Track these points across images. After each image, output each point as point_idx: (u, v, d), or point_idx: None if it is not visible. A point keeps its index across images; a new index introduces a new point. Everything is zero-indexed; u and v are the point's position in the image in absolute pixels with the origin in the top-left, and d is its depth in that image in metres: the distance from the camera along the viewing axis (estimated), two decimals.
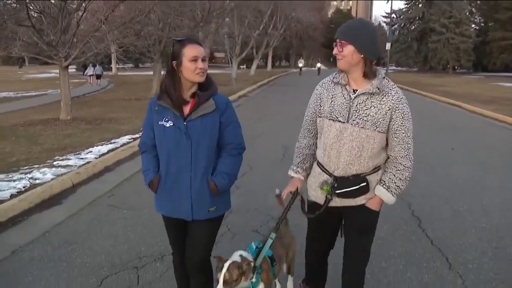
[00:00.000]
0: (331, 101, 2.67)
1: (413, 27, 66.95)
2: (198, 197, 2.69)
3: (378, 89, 2.55)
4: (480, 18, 65.28)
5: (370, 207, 2.68)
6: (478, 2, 63.36)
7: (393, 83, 2.64)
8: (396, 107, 2.55)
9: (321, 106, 2.73)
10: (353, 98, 2.59)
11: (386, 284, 3.74)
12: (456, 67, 64.22)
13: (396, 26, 69.00)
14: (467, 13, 61.83)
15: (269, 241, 2.84)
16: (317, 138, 2.87)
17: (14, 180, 6.66)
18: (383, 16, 77.24)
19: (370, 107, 2.56)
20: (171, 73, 2.65)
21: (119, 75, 46.96)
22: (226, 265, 2.63)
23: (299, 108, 16.12)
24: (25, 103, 20.74)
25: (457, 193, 6.34)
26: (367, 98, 2.58)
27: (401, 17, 68.22)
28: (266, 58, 63.42)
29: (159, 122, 2.67)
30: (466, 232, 4.91)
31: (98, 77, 34.41)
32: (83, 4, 12.52)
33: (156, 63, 20.48)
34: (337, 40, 2.59)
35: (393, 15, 66.28)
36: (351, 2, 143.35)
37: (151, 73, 41.61)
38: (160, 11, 14.36)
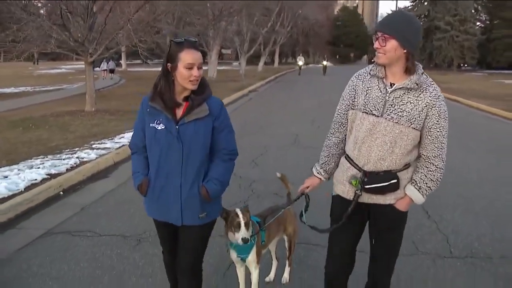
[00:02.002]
0: (366, 94, 2.58)
1: None
2: (188, 202, 2.64)
3: (417, 84, 2.48)
4: (485, 16, 65.72)
5: (399, 208, 2.60)
6: (484, 0, 63.85)
7: (432, 80, 2.56)
8: (433, 105, 2.47)
9: (355, 98, 2.64)
10: (389, 92, 2.51)
11: None
12: (461, 65, 64.76)
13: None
14: (472, 11, 62.39)
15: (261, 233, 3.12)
16: (346, 134, 2.78)
17: (64, 159, 7.77)
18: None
19: (407, 102, 2.48)
20: (165, 75, 2.58)
21: (129, 71, 47.98)
22: (238, 211, 2.87)
23: (306, 103, 17.39)
24: (45, 97, 21.74)
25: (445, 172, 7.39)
26: (404, 93, 2.49)
27: None
28: (273, 55, 64.20)
29: (151, 124, 2.61)
30: (446, 197, 5.95)
31: (111, 71, 35.78)
32: (109, 4, 13.60)
33: None
34: (379, 34, 2.47)
35: None
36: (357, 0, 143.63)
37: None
38: (180, 11, 15.41)
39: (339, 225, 2.66)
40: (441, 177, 2.56)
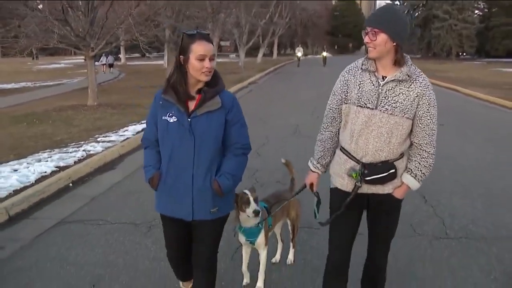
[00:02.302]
0: (359, 88, 2.65)
1: (417, 13, 67.54)
2: (199, 196, 2.64)
3: (408, 76, 2.57)
4: (483, 4, 65.66)
5: (396, 196, 2.70)
6: None
7: (420, 70, 2.67)
8: (423, 94, 2.57)
9: (347, 93, 2.70)
10: (382, 84, 2.59)
11: None
12: (460, 53, 64.77)
13: (402, 12, 69.65)
14: None
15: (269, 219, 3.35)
16: (339, 128, 2.85)
17: (71, 152, 7.97)
18: (387, 3, 77.49)
19: (399, 93, 2.57)
20: (179, 68, 2.59)
21: (128, 65, 48.08)
22: (246, 190, 3.07)
23: (305, 94, 17.64)
24: (46, 92, 21.89)
25: (440, 157, 7.58)
26: (396, 85, 2.58)
27: (405, 4, 68.80)
28: (272, 46, 64.25)
29: (163, 117, 2.62)
30: (443, 183, 6.18)
31: (111, 65, 35.94)
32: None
33: (171, 52, 21.64)
34: (369, 29, 2.56)
35: (397, 1, 67.04)
36: None
37: (160, 62, 42.70)
38: (179, 4, 15.56)
39: (338, 214, 2.73)
40: (433, 162, 2.66)
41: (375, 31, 2.51)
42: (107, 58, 35.03)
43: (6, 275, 3.85)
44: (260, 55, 47.93)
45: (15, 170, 6.72)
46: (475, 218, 4.98)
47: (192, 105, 2.61)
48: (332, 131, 2.84)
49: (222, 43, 74.97)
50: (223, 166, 2.68)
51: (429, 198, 5.54)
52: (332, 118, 2.81)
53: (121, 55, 52.95)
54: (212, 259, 2.87)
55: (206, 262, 2.83)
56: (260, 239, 3.27)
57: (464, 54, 65.49)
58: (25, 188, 5.96)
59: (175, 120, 2.58)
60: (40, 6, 14.00)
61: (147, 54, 14.20)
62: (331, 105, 2.81)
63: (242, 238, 3.28)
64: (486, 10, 64.63)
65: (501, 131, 10.69)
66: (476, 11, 64.82)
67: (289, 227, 3.86)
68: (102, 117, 12.36)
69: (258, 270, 3.45)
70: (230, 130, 2.67)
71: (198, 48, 2.52)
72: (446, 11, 59.40)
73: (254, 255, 3.51)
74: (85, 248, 4.35)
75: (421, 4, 66.65)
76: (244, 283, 3.59)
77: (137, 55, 70.50)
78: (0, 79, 30.23)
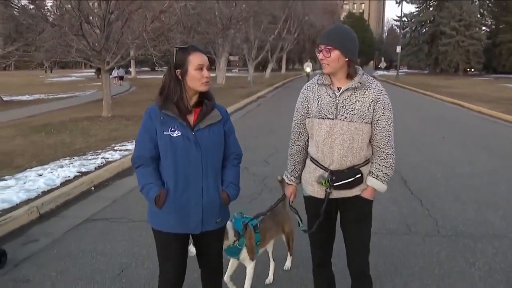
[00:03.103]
0: (318, 102, 2.80)
1: (424, 30, 68.16)
2: (208, 208, 2.68)
3: (360, 83, 2.74)
4: (491, 20, 66.17)
5: (364, 197, 2.84)
6: (489, 4, 64.26)
7: (373, 78, 2.86)
8: (378, 99, 2.74)
9: (308, 108, 2.87)
10: (338, 95, 2.75)
11: (374, 212, 5.48)
12: (468, 70, 65.17)
13: (407, 29, 70.45)
14: (478, 16, 62.87)
15: (254, 222, 3.42)
16: (306, 141, 3.01)
17: (90, 159, 8.49)
18: (395, 20, 78.41)
19: (355, 101, 2.73)
20: (177, 82, 2.60)
21: (138, 78, 48.91)
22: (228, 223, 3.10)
23: None
24: (60, 104, 22.53)
25: (437, 165, 8.18)
26: (351, 94, 2.74)
27: (412, 20, 69.53)
28: (280, 61, 64.94)
29: (164, 132, 2.58)
30: (437, 187, 6.68)
31: (121, 78, 36.80)
32: (124, 16, 14.38)
33: None
34: (322, 46, 2.72)
35: (404, 18, 67.74)
36: (363, 5, 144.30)
37: None
38: (192, 21, 16.22)
39: (320, 221, 2.86)
40: (393, 162, 2.82)
41: (328, 48, 2.69)
42: (117, 71, 35.83)
43: (44, 263, 4.35)
44: (268, 70, 48.56)
45: (40, 175, 7.22)
46: (465, 219, 5.43)
47: (190, 118, 2.63)
48: (299, 145, 3.02)
49: (231, 57, 75.82)
50: (226, 176, 2.77)
51: (425, 202, 6.01)
52: (298, 133, 3.00)
53: (132, 69, 53.75)
54: (220, 267, 2.98)
55: (216, 269, 2.96)
56: (243, 254, 3.37)
57: (472, 70, 65.86)
58: (51, 190, 6.46)
59: (179, 134, 2.57)
60: (56, 22, 14.60)
61: (159, 68, 14.70)
62: (296, 121, 3.01)
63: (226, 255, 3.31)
64: (493, 26, 65.13)
65: (497, 142, 11.17)
66: (484, 28, 65.34)
67: (284, 241, 4.02)
68: (117, 128, 12.85)
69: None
70: (227, 141, 2.77)
71: (196, 59, 2.58)
72: (453, 28, 59.99)
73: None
74: (111, 241, 4.84)
75: (428, 21, 67.31)
76: None
77: (146, 69, 71.64)
78: (15, 91, 31.03)
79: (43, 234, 5.10)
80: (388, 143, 2.78)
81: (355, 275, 3.01)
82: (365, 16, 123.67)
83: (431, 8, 66.96)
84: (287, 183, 3.13)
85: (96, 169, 7.73)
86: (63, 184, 6.78)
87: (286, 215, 3.92)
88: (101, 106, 15.84)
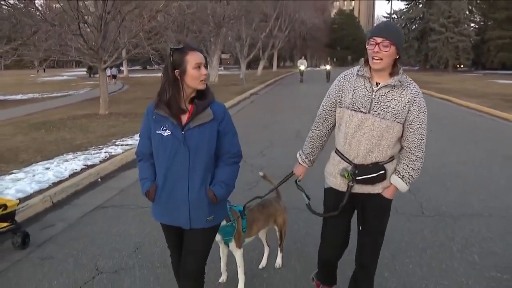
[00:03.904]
0: (353, 93, 2.78)
1: (414, 27, 68.79)
2: (196, 206, 2.71)
3: (400, 82, 2.70)
4: (479, 17, 66.88)
5: (385, 196, 2.84)
6: (478, 1, 64.95)
7: (411, 79, 2.81)
8: (414, 100, 2.71)
9: (342, 97, 2.83)
10: (375, 90, 2.72)
11: None
12: (457, 66, 65.90)
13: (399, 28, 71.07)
14: (467, 13, 63.57)
15: (239, 207, 3.45)
16: (330, 128, 3.02)
17: (94, 154, 8.88)
18: (384, 17, 79.02)
19: (391, 99, 2.70)
20: (173, 83, 2.62)
21: (130, 77, 49.10)
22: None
23: (304, 102, 18.48)
24: (55, 103, 22.79)
25: (426, 157, 8.54)
26: (389, 91, 2.71)
27: (402, 17, 70.08)
28: (271, 59, 65.34)
29: (157, 131, 2.67)
30: (424, 176, 7.01)
31: (114, 77, 37.11)
32: (121, 15, 14.73)
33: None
34: (379, 39, 2.64)
35: (394, 15, 68.42)
36: (353, 2, 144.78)
37: (161, 74, 43.76)
38: (187, 20, 16.61)
39: (335, 214, 2.90)
40: (421, 166, 2.81)
41: (388, 43, 2.62)
42: (110, 69, 36.08)
43: (64, 243, 4.77)
44: (260, 67, 48.93)
45: (47, 168, 7.60)
46: (448, 202, 5.94)
47: (184, 118, 2.67)
48: (322, 131, 3.04)
49: (223, 55, 76.06)
50: (217, 175, 2.77)
51: (411, 188, 6.36)
52: (324, 118, 3.01)
53: (124, 67, 53.92)
54: (201, 269, 2.91)
55: (196, 270, 2.88)
56: (232, 243, 3.48)
57: (462, 66, 66.54)
58: (61, 181, 6.85)
59: (169, 133, 2.64)
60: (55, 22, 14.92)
61: (151, 67, 15.12)
62: (324, 106, 3.00)
63: (218, 237, 3.39)
64: (482, 23, 65.82)
65: (482, 134, 11.69)
66: (472, 24, 66.04)
67: (277, 234, 4.05)
68: (115, 124, 13.18)
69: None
70: (222, 140, 2.75)
71: (193, 57, 2.61)
72: (443, 24, 60.60)
73: (252, 267, 4.20)
74: (123, 224, 5.27)
75: (418, 18, 67.96)
76: (220, 280, 3.83)
77: (138, 67, 71.84)
78: (7, 91, 31.21)
79: (59, 220, 5.51)
80: (420, 146, 2.78)
81: (361, 266, 3.06)
82: (356, 13, 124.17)
83: (420, 5, 67.52)
84: (299, 163, 3.15)
85: (101, 162, 8.13)
86: (71, 176, 7.17)
87: (279, 207, 3.98)
88: (96, 104, 16.16)
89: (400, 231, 4.92)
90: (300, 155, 3.16)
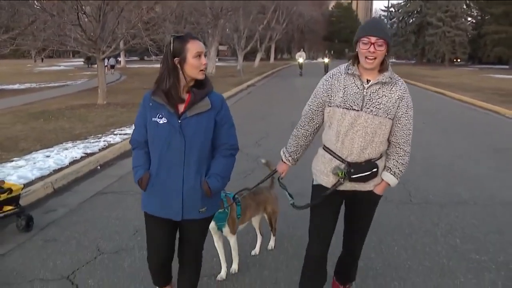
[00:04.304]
0: (344, 91, 2.76)
1: (411, 20, 69.03)
2: (189, 196, 2.68)
3: (390, 78, 2.73)
4: (476, 11, 67.05)
5: (377, 192, 2.88)
6: None
7: (397, 75, 2.84)
8: (403, 97, 2.75)
9: (331, 96, 2.82)
10: (366, 87, 2.72)
11: None
12: (454, 60, 66.14)
13: (394, 19, 71.22)
14: (464, 7, 63.75)
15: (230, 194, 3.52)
16: (316, 128, 3.01)
17: (93, 142, 9.06)
18: (382, 10, 79.12)
19: (382, 96, 2.71)
20: (172, 71, 2.59)
21: (127, 67, 49.12)
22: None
23: (301, 94, 18.68)
24: (53, 93, 22.84)
25: (416, 147, 8.71)
26: (379, 88, 2.72)
27: (400, 11, 70.31)
28: (269, 51, 65.40)
29: (153, 119, 2.63)
30: (414, 166, 7.29)
31: (112, 67, 37.20)
32: (119, 6, 14.87)
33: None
34: (373, 39, 2.62)
35: (392, 9, 68.65)
36: None
37: (158, 65, 44.02)
38: (185, 11, 16.76)
39: (316, 203, 2.93)
40: (408, 160, 2.87)
41: (382, 42, 2.62)
42: (108, 60, 36.16)
43: (66, 226, 4.97)
44: (257, 59, 49.01)
45: (48, 156, 7.77)
46: (435, 190, 6.18)
47: (181, 107, 2.64)
48: (307, 130, 3.01)
49: (220, 47, 76.06)
50: (212, 167, 2.74)
51: (400, 177, 6.68)
52: (310, 118, 2.98)
53: (121, 58, 53.91)
54: (198, 257, 3.00)
55: (194, 259, 2.96)
56: (226, 228, 3.56)
57: (459, 60, 66.82)
58: (61, 169, 7.04)
59: (165, 121, 2.61)
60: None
61: (148, 58, 15.31)
62: (311, 106, 2.97)
63: (212, 223, 3.34)
64: (479, 17, 66.03)
65: (474, 127, 11.97)
66: (469, 19, 66.25)
67: (267, 220, 4.18)
68: (113, 114, 13.35)
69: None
70: (219, 131, 2.72)
71: (194, 46, 2.59)
72: (440, 19, 60.82)
73: (246, 249, 4.31)
74: (123, 209, 5.47)
75: (415, 11, 68.12)
76: (218, 278, 3.81)
77: (135, 58, 71.75)
78: (4, 80, 31.22)
79: (60, 205, 5.70)
80: (408, 141, 2.81)
81: (347, 255, 3.19)
82: (353, 6, 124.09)
83: None
84: (283, 161, 3.14)
85: (100, 150, 8.32)
86: (71, 163, 7.36)
87: (269, 196, 4.06)
88: (94, 94, 16.29)
89: (388, 217, 5.14)
90: (284, 153, 3.14)
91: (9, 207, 4.71)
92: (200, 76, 2.63)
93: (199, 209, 2.72)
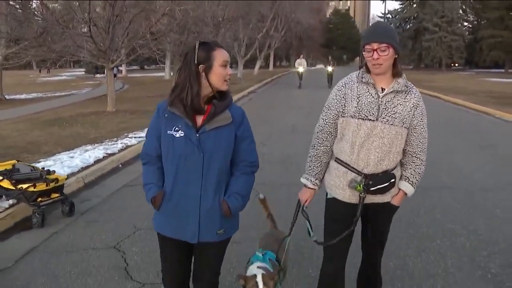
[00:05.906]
0: (358, 100, 2.64)
1: (408, 26, 69.93)
2: (207, 217, 2.47)
3: (406, 86, 2.64)
4: (472, 16, 67.90)
5: (395, 204, 2.76)
6: (471, 1, 65.93)
7: (410, 82, 2.73)
8: (418, 104, 2.66)
9: (345, 106, 2.68)
10: (381, 96, 2.62)
11: None
12: (451, 65, 66.96)
13: (391, 25, 72.06)
14: (460, 12, 64.66)
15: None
16: (334, 141, 2.82)
17: (111, 144, 9.84)
18: (379, 16, 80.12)
19: (397, 104, 2.61)
20: (196, 79, 2.40)
21: (129, 76, 49.95)
22: (259, 279, 2.64)
23: (301, 101, 19.45)
24: (60, 101, 23.55)
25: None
26: (394, 96, 2.62)
27: (396, 17, 71.27)
28: (268, 58, 66.21)
29: (168, 132, 2.43)
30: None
31: (114, 76, 37.88)
32: (128, 18, 15.72)
33: (177, 64, 23.64)
34: (375, 45, 2.54)
35: (389, 15, 69.84)
36: (349, 2, 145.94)
37: (159, 74, 44.17)
38: (190, 23, 17.68)
39: (351, 230, 2.76)
40: (424, 170, 2.79)
41: (385, 46, 2.53)
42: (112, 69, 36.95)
43: (103, 211, 5.80)
44: (257, 67, 49.76)
45: (72, 157, 8.55)
46: (423, 178, 6.90)
47: (199, 119, 2.45)
48: (327, 146, 2.83)
49: None
50: (232, 186, 2.54)
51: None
52: (328, 132, 2.81)
53: (123, 67, 54.58)
54: (215, 281, 2.75)
55: (210, 282, 2.72)
56: None
57: (456, 65, 67.61)
58: (88, 166, 7.83)
59: (181, 135, 2.41)
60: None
61: (153, 66, 16.17)
62: (327, 120, 2.80)
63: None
64: (475, 22, 66.85)
65: (464, 127, 12.84)
66: (465, 24, 67.14)
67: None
68: (124, 120, 14.07)
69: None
70: (238, 147, 2.53)
71: (221, 54, 2.45)
72: (436, 24, 61.67)
73: (244, 253, 5.21)
74: None
75: (412, 17, 69.09)
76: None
77: (135, 67, 72.65)
78: (10, 91, 31.95)
79: (93, 196, 6.50)
80: (424, 149, 2.76)
81: (368, 268, 3.07)
82: (351, 13, 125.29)
83: (414, 5, 68.65)
84: (309, 187, 2.91)
85: (119, 151, 9.12)
86: (96, 162, 8.15)
87: (280, 232, 3.55)
88: (100, 102, 17.03)
89: None
90: (307, 179, 2.92)
91: (56, 195, 5.52)
92: (225, 87, 2.49)
93: (216, 231, 2.52)
